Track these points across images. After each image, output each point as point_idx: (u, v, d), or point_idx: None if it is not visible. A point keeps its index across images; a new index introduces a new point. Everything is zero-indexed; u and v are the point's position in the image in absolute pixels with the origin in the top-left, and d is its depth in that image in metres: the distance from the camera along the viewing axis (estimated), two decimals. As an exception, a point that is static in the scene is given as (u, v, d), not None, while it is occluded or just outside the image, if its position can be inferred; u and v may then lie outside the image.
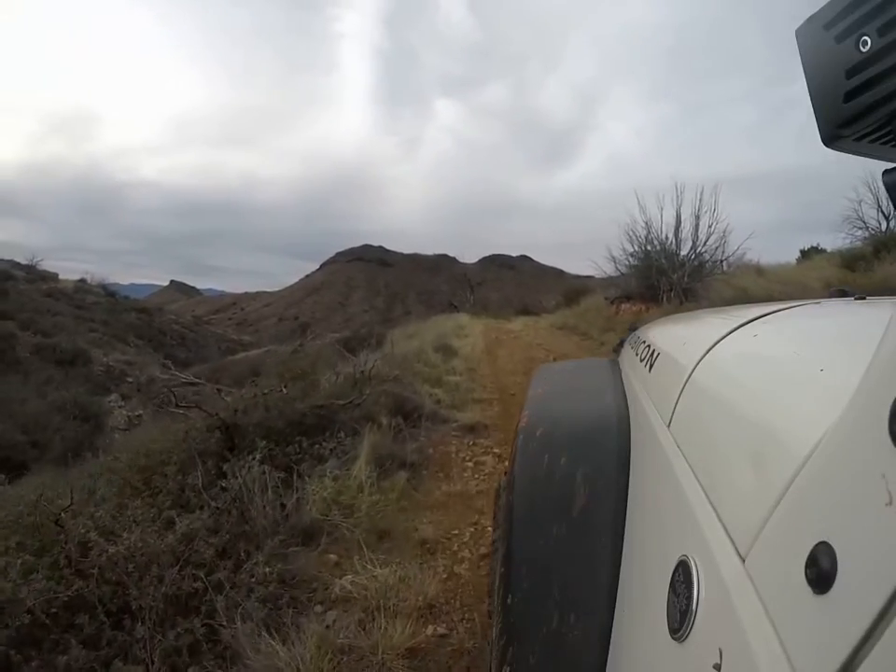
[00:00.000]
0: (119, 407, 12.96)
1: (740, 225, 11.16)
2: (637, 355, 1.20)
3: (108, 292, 29.70)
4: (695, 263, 10.61)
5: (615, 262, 12.30)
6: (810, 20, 0.37)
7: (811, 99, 0.37)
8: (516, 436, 0.95)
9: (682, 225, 10.84)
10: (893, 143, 0.35)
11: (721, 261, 10.64)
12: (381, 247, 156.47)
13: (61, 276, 30.00)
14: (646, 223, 11.34)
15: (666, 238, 11.06)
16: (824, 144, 0.38)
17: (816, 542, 0.27)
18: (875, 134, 0.35)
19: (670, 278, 10.48)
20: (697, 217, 10.58)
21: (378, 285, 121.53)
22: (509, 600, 0.69)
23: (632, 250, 11.59)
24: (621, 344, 1.73)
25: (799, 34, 0.38)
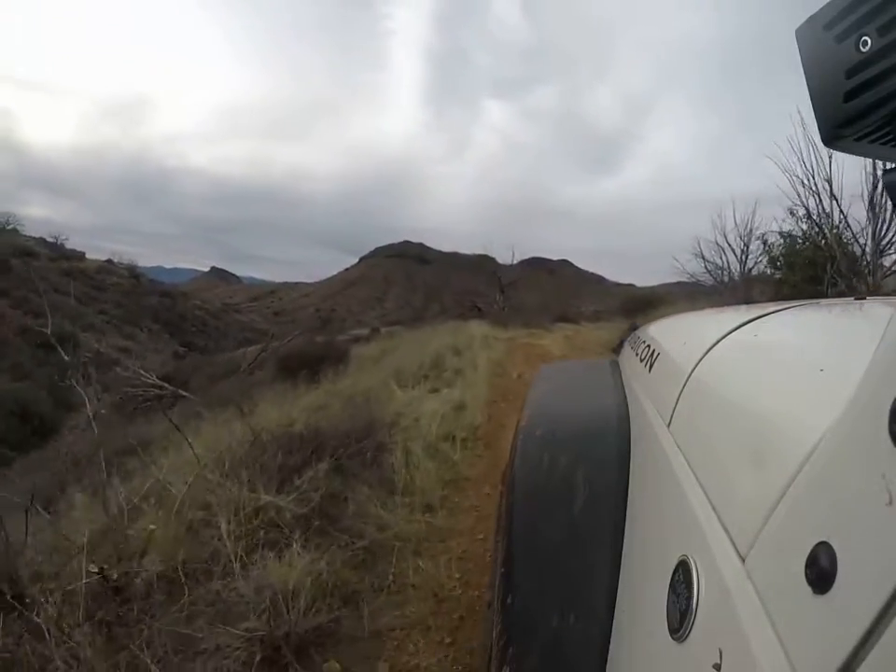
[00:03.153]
0: (98, 399, 12.05)
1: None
2: (636, 355, 1.20)
3: (134, 274, 29.51)
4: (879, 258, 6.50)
5: (705, 262, 9.02)
6: (810, 20, 0.37)
7: (811, 99, 0.37)
8: (516, 436, 0.95)
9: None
10: (893, 143, 0.35)
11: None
12: (421, 244, 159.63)
13: (102, 257, 30.32)
14: (809, 181, 6.75)
15: (827, 216, 6.61)
16: (824, 144, 0.38)
17: (816, 542, 0.27)
18: (876, 134, 0.35)
19: (855, 281, 6.27)
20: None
21: (416, 281, 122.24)
22: (509, 600, 0.69)
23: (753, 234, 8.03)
24: (621, 344, 1.73)
25: (799, 34, 0.38)
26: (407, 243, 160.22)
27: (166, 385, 8.48)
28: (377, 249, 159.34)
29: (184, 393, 8.05)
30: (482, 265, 21.93)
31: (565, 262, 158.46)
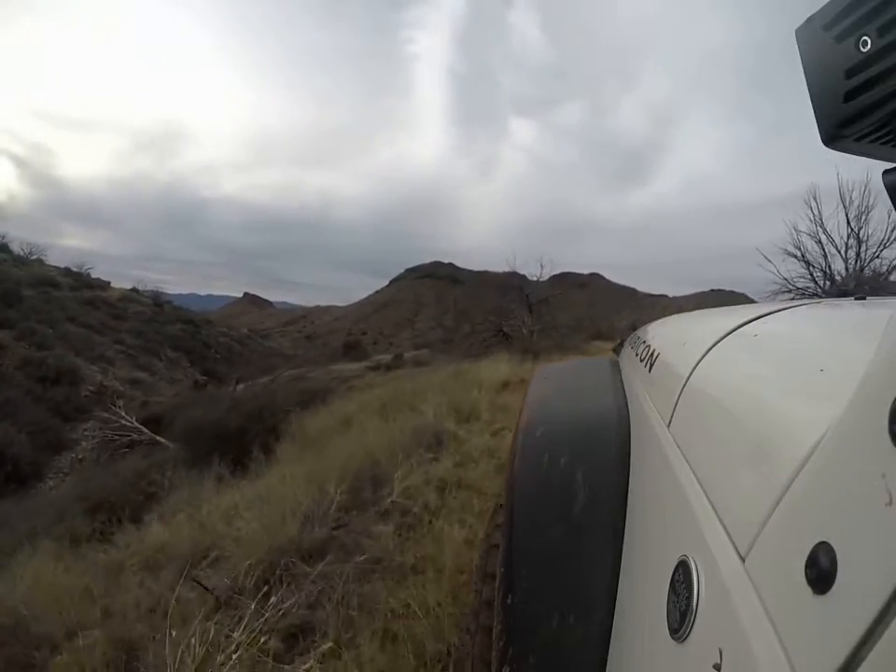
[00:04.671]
0: (93, 438, 10.55)
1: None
2: (636, 355, 1.20)
3: (158, 302, 29.20)
4: None
5: (808, 265, 6.49)
6: (810, 20, 0.37)
7: (811, 99, 0.37)
8: (516, 436, 0.95)
9: None
10: (893, 143, 0.35)
11: None
12: (451, 265, 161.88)
13: (131, 286, 29.90)
14: None
15: None
16: (824, 144, 0.38)
17: (816, 542, 0.27)
18: (876, 134, 0.35)
19: None
20: None
21: (447, 302, 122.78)
22: (509, 600, 0.69)
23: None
24: (621, 344, 1.73)
25: (799, 34, 0.38)
26: (437, 263, 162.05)
27: (143, 429, 7.73)
28: (407, 271, 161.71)
29: (160, 439, 7.49)
30: (512, 283, 20.93)
31: (595, 276, 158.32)
